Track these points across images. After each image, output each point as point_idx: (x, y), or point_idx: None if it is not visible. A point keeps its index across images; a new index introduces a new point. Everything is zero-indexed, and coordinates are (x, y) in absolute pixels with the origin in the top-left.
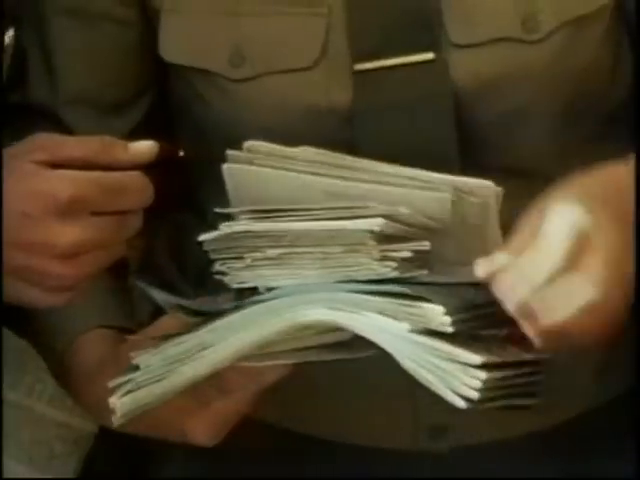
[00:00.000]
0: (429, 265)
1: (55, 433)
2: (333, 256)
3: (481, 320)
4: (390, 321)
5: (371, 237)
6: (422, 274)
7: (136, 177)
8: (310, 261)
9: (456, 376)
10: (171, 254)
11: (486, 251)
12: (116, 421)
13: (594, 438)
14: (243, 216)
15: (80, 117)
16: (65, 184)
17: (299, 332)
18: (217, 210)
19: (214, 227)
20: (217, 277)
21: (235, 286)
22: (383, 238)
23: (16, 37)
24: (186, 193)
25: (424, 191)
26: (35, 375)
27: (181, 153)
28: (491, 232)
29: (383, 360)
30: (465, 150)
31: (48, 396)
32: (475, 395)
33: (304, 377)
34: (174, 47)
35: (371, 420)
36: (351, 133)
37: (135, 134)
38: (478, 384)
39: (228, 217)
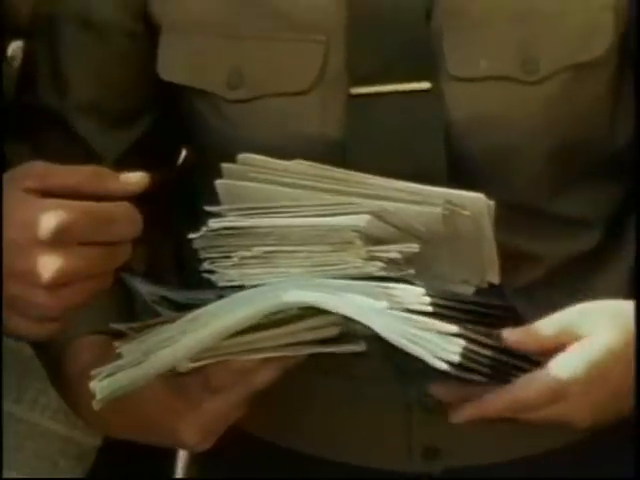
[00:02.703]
0: (419, 270)
1: (58, 447)
2: (320, 255)
3: (471, 316)
4: (369, 300)
5: (358, 236)
6: (409, 274)
7: (125, 208)
8: (297, 260)
9: (436, 343)
10: (174, 265)
11: (481, 264)
12: (95, 405)
13: (590, 464)
14: (231, 213)
15: (87, 125)
16: (52, 213)
17: (286, 326)
18: (207, 208)
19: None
20: (205, 276)
21: (222, 284)
22: (371, 239)
23: (26, 47)
24: (190, 204)
25: (415, 205)
26: (38, 389)
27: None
28: (486, 245)
29: (378, 380)
30: (455, 181)
31: (51, 410)
32: (456, 359)
33: (300, 395)
34: (172, 66)
35: (365, 440)
36: (343, 157)
37: (141, 145)
38: (458, 349)
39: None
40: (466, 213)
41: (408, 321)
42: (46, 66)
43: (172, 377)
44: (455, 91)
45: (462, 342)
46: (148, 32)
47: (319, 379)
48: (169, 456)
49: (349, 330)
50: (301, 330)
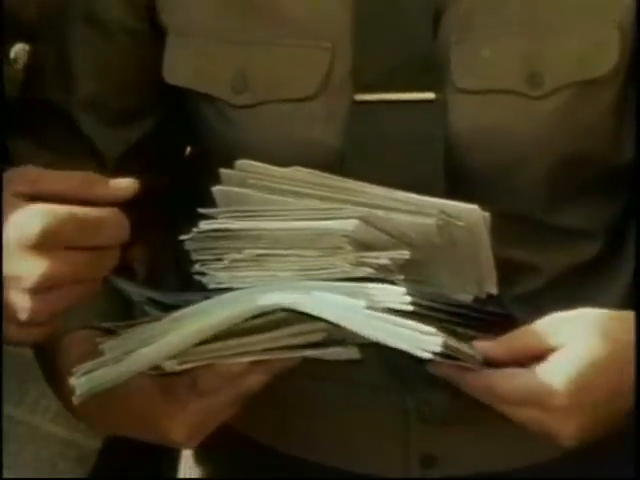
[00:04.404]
0: (416, 280)
1: (59, 450)
2: (310, 259)
3: (459, 319)
4: (348, 299)
5: (348, 242)
6: (397, 278)
7: (112, 213)
8: (287, 264)
9: (416, 337)
10: (176, 267)
11: (479, 275)
12: (75, 400)
13: (591, 474)
14: (221, 215)
15: (91, 121)
16: (38, 217)
17: (272, 331)
18: (200, 210)
19: None
20: (196, 277)
21: (212, 287)
22: (362, 245)
23: (31, 47)
24: (192, 206)
25: (410, 215)
26: (39, 391)
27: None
28: (483, 256)
29: (376, 388)
30: (454, 192)
31: (52, 413)
32: (438, 349)
33: (298, 401)
34: (177, 69)
35: (362, 447)
36: (342, 164)
37: (143, 146)
38: (438, 341)
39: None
40: (461, 224)
41: (386, 319)
42: (52, 62)
43: (161, 377)
44: (459, 103)
45: (440, 340)
46: (154, 34)
47: (317, 385)
48: (170, 459)
49: (337, 335)
50: (287, 335)
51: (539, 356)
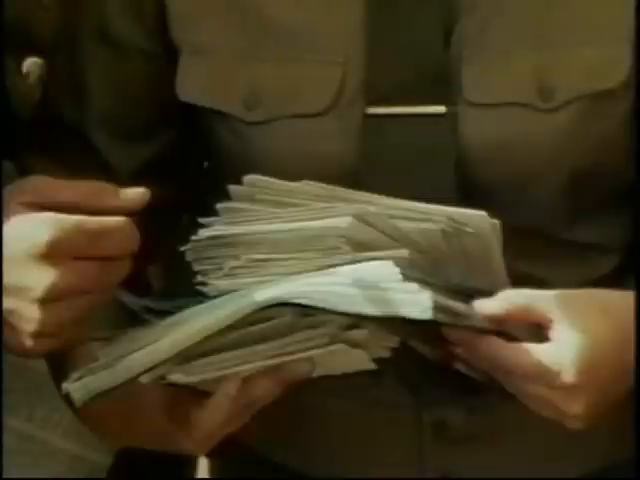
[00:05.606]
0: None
1: (69, 466)
2: (308, 262)
3: (460, 296)
4: (333, 277)
5: (345, 242)
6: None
7: (121, 223)
8: (286, 268)
9: (405, 299)
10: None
11: (493, 283)
12: (77, 403)
13: None
14: (217, 222)
15: (104, 138)
16: (46, 227)
17: (276, 340)
18: (199, 220)
19: None
20: (198, 288)
21: (214, 295)
22: (360, 246)
23: (48, 63)
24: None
25: (417, 222)
26: (50, 407)
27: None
28: (495, 264)
29: (392, 406)
30: (465, 205)
31: (63, 429)
32: (429, 305)
33: (315, 419)
34: (190, 87)
35: (378, 465)
36: (356, 178)
37: (158, 162)
38: (427, 297)
39: None
40: (470, 230)
41: (374, 283)
42: (66, 79)
43: (170, 386)
44: (470, 116)
45: (427, 295)
46: (166, 52)
47: (334, 402)
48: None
49: (342, 338)
50: (292, 342)
51: (539, 322)
